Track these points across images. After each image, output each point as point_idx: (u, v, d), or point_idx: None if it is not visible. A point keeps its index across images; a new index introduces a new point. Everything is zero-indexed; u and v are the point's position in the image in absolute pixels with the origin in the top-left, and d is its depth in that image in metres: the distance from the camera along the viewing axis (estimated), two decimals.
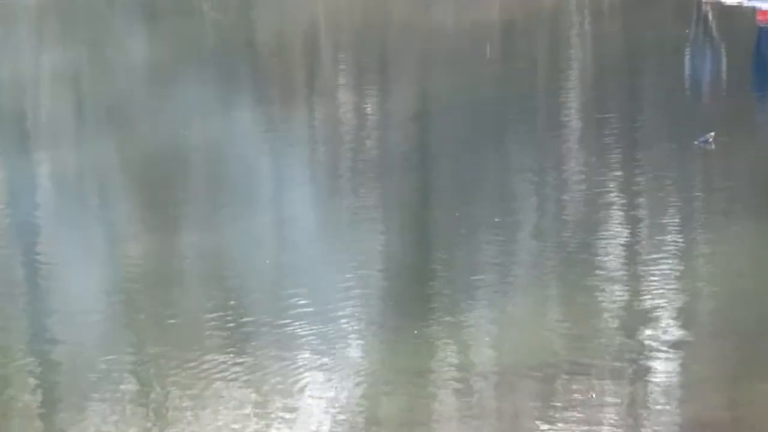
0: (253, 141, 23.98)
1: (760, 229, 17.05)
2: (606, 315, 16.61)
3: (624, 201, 21.37)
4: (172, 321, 16.59)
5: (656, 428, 13.68)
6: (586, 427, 13.38)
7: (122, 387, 14.90)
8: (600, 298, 17.03)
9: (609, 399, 13.99)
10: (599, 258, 18.83)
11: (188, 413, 13.98)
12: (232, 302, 17.14)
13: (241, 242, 19.45)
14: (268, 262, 18.50)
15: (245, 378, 14.91)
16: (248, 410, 14.17)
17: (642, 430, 13.68)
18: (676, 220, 20.23)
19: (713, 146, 21.21)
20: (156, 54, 29.62)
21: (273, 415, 14.31)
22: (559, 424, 13.40)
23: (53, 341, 16.85)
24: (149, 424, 14.07)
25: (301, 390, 14.56)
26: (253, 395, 14.52)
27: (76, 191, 21.68)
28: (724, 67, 27.83)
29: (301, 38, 32.84)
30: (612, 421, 13.67)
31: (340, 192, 21.49)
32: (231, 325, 16.35)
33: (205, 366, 15.11)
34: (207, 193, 21.45)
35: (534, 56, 30.64)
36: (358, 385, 14.75)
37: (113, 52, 30.29)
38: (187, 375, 14.92)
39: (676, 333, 15.89)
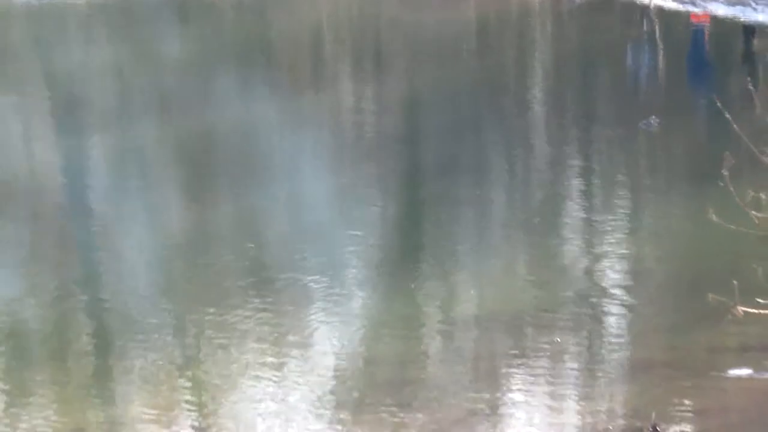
0: (274, 118, 24.01)
1: (693, 192, 16.96)
2: (564, 272, 16.68)
3: (582, 172, 21.36)
4: (213, 269, 16.76)
5: (608, 365, 13.81)
6: (551, 363, 13.50)
7: (169, 326, 15.12)
8: (559, 257, 17.08)
9: (570, 341, 14.08)
10: (560, 221, 18.89)
11: (219, 346, 14.22)
12: (257, 259, 17.25)
13: (266, 207, 19.58)
14: (286, 226, 18.47)
15: (268, 320, 15.05)
16: (270, 344, 14.38)
17: (597, 366, 13.78)
18: (626, 188, 20.31)
19: (655, 128, 21.28)
20: (189, 48, 29.52)
21: (289, 347, 14.44)
22: (529, 361, 13.45)
23: (112, 285, 16.99)
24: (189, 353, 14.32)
25: (314, 329, 14.71)
26: (275, 333, 14.67)
27: (130, 165, 21.65)
28: (662, 61, 27.88)
29: (307, 35, 32.77)
30: (572, 359, 13.78)
31: (345, 163, 21.51)
32: (256, 277, 16.47)
33: (235, 309, 15.24)
34: (242, 162, 21.44)
35: (503, 51, 30.60)
36: (358, 327, 14.93)
37: (154, 47, 30.19)
38: (220, 313, 15.14)
39: (623, 285, 15.98)
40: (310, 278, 16.42)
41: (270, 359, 14.26)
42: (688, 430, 11.97)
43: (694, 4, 30.04)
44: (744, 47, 27.23)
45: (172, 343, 14.95)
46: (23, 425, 12.59)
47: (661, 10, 29.91)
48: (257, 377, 13.91)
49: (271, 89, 27.61)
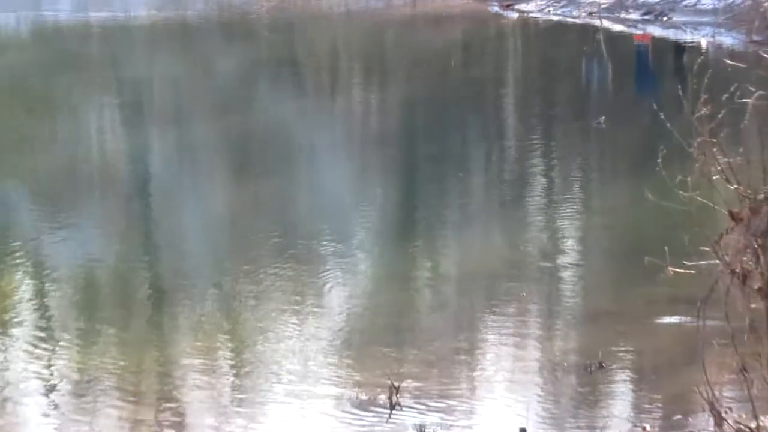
0: (300, 113, 24.16)
1: (635, 176, 16.94)
2: (529, 239, 16.76)
3: (544, 160, 21.47)
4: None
5: (563, 314, 13.79)
6: (517, 312, 13.57)
7: (214, 284, 15.04)
8: (525, 228, 17.29)
9: (533, 293, 14.12)
10: (525, 198, 18.98)
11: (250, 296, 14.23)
12: (290, 221, 17.50)
13: (296, 179, 19.80)
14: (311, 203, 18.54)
15: (288, 277, 15.06)
16: (301, 284, 14.55)
17: (554, 314, 13.80)
18: (580, 173, 20.37)
19: (604, 126, 21.35)
20: (235, 60, 29.54)
21: (313, 290, 14.60)
22: (499, 310, 13.57)
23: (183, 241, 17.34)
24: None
25: (329, 285, 14.73)
26: (296, 288, 14.66)
27: (194, 148, 21.73)
28: (611, 72, 27.86)
29: (325, 50, 32.77)
30: (534, 309, 13.82)
31: (355, 147, 21.58)
32: (290, 234, 16.73)
33: (266, 269, 15.20)
34: (278, 146, 21.55)
35: (483, 63, 30.58)
36: (360, 284, 15.01)
37: (207, 58, 30.20)
38: (252, 269, 15.16)
39: (577, 249, 16.08)
40: (329, 237, 16.62)
41: (298, 298, 14.36)
42: (628, 366, 12.00)
43: (635, 26, 30.02)
44: (675, 61, 27.21)
45: (229, 280, 15.11)
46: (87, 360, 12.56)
47: (609, 32, 29.86)
48: (287, 311, 13.95)
49: (298, 91, 27.79)
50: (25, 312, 14.66)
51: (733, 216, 8.42)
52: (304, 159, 21.84)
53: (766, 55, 8.74)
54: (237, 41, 34.22)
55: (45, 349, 12.97)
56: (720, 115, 8.34)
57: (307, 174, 20.77)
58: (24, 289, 15.49)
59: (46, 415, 11.31)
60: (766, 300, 8.26)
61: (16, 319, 14.35)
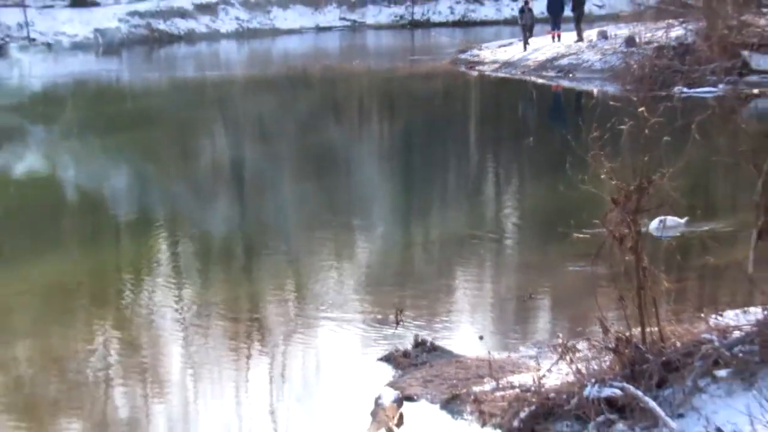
0: (342, 137, 24.16)
1: (552, 176, 16.73)
2: (483, 218, 16.74)
3: (493, 166, 21.32)
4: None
5: (504, 265, 13.88)
6: (475, 265, 13.54)
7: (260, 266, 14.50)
8: (481, 211, 17.19)
9: (488, 253, 14.07)
10: (480, 192, 18.90)
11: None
12: (337, 205, 17.18)
13: (339, 180, 19.62)
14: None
15: (333, 239, 14.92)
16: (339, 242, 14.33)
17: (498, 264, 13.90)
18: (516, 175, 20.29)
19: (532, 144, 21.28)
20: (298, 100, 29.69)
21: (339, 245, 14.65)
22: (463, 264, 13.54)
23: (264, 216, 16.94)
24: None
25: (358, 246, 14.68)
26: (336, 248, 14.55)
27: (278, 159, 21.88)
28: (536, 110, 27.85)
29: (355, 94, 32.69)
30: (483, 263, 13.82)
31: (377, 159, 21.69)
32: (328, 215, 16.31)
33: (321, 232, 15.18)
34: (329, 157, 21.65)
35: (455, 103, 30.42)
36: (378, 245, 14.71)
37: (281, 101, 30.22)
38: (312, 234, 15.03)
39: (515, 223, 15.92)
40: (357, 214, 16.49)
41: (338, 253, 14.31)
42: (548, 297, 11.94)
43: (552, 80, 29.92)
44: (576, 103, 27.13)
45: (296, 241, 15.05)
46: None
47: (536, 83, 29.77)
48: (329, 260, 13.91)
49: (338, 119, 27.77)
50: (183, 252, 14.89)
51: (614, 201, 8.42)
52: (343, 162, 21.72)
53: (633, 98, 8.72)
54: (300, 89, 34.22)
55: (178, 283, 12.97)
56: (605, 137, 8.36)
57: (344, 171, 20.69)
58: (175, 238, 15.56)
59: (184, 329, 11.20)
60: (634, 254, 8.29)
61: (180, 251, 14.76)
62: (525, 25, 31.87)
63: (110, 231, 16.63)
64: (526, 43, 32.25)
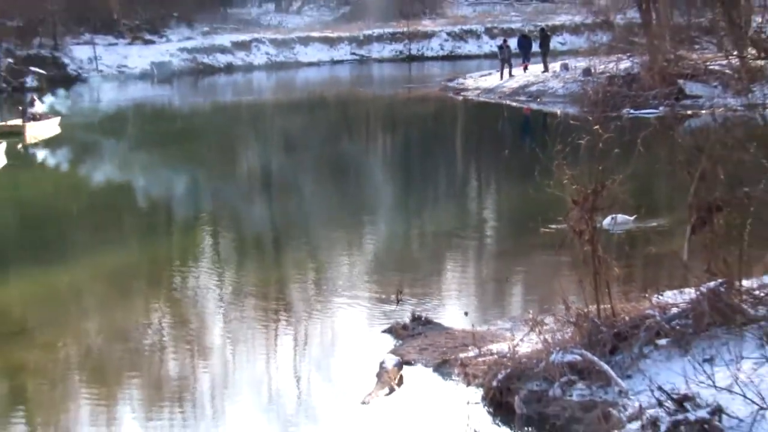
0: (353, 150, 23.97)
1: (523, 183, 15.43)
2: (467, 215, 16.52)
3: (476, 173, 21.22)
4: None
5: (488, 252, 13.59)
6: (454, 248, 13.59)
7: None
8: (466, 209, 16.98)
9: (472, 243, 13.99)
10: (465, 193, 18.74)
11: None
12: (351, 201, 17.05)
13: (352, 180, 19.44)
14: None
15: (347, 228, 14.92)
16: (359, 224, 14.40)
17: (483, 253, 13.67)
18: (492, 183, 20.01)
19: (507, 155, 21.12)
20: (317, 120, 29.45)
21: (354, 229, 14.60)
22: (444, 248, 13.61)
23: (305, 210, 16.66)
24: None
25: (366, 236, 14.56)
26: (348, 236, 14.47)
27: (304, 163, 21.81)
28: (510, 128, 27.61)
29: (363, 115, 32.40)
30: (472, 250, 13.72)
31: (380, 165, 21.49)
32: (343, 208, 16.31)
33: (336, 224, 15.08)
34: (341, 164, 21.68)
35: (443, 124, 29.85)
36: (382, 236, 14.59)
37: (303, 118, 29.95)
38: (329, 226, 14.86)
39: (493, 220, 15.82)
40: (363, 209, 16.28)
41: (350, 241, 14.26)
42: (521, 280, 11.90)
43: (524, 104, 29.73)
44: (544, 122, 26.87)
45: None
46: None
47: (510, 106, 29.58)
48: (341, 246, 13.95)
49: (349, 133, 27.62)
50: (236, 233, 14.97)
51: (574, 201, 8.40)
52: (352, 167, 21.56)
53: (590, 119, 8.73)
54: (318, 109, 33.75)
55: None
56: (567, 150, 8.35)
57: (353, 174, 20.47)
58: (216, 229, 15.48)
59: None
60: (591, 245, 8.28)
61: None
62: (503, 59, 31.80)
63: (165, 223, 16.64)
64: (502, 73, 32.15)
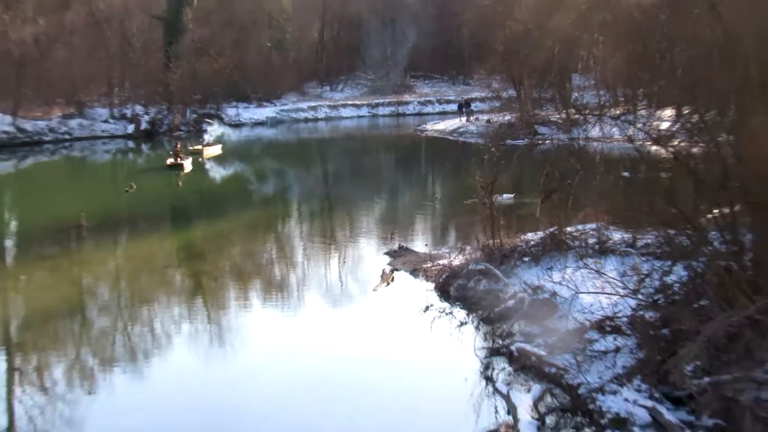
0: (362, 167, 19.68)
1: (460, 181, 14.13)
2: (423, 206, 13.10)
3: (432, 182, 16.95)
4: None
5: (436, 228, 11.35)
6: (423, 226, 11.43)
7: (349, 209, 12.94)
8: (415, 218, 12.15)
9: (428, 221, 11.83)
10: (425, 185, 16.31)
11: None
12: (373, 199, 13.90)
13: (374, 185, 15.78)
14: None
15: (362, 213, 12.79)
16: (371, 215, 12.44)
17: (432, 227, 11.45)
18: (440, 178, 17.15)
19: (447, 165, 18.13)
20: (336, 150, 23.84)
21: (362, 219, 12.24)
22: (421, 222, 11.71)
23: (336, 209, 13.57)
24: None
25: (372, 217, 12.42)
26: (360, 218, 12.36)
27: (345, 174, 18.32)
28: (448, 152, 25.31)
29: (366, 145, 27.00)
30: (427, 225, 11.55)
31: (379, 177, 17.57)
32: (371, 201, 13.59)
33: (360, 212, 12.85)
34: (359, 173, 18.00)
35: (418, 151, 23.51)
36: (386, 218, 12.26)
37: (336, 149, 24.39)
38: (354, 216, 12.48)
39: (437, 203, 13.55)
40: (370, 204, 13.56)
41: (363, 219, 12.13)
42: (455, 228, 10.96)
43: (457, 138, 26.93)
44: (465, 148, 22.71)
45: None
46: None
47: (448, 139, 26.11)
48: (356, 220, 12.06)
49: (367, 151, 24.04)
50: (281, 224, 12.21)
51: (481, 187, 8.38)
52: (365, 165, 19.57)
53: (490, 145, 8.51)
54: (350, 141, 28.80)
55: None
56: (480, 162, 8.15)
57: (377, 183, 16.47)
58: (290, 204, 13.81)
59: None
60: (489, 210, 8.26)
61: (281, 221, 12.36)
62: (462, 111, 30.71)
63: (281, 196, 14.85)
64: (461, 118, 29.78)
